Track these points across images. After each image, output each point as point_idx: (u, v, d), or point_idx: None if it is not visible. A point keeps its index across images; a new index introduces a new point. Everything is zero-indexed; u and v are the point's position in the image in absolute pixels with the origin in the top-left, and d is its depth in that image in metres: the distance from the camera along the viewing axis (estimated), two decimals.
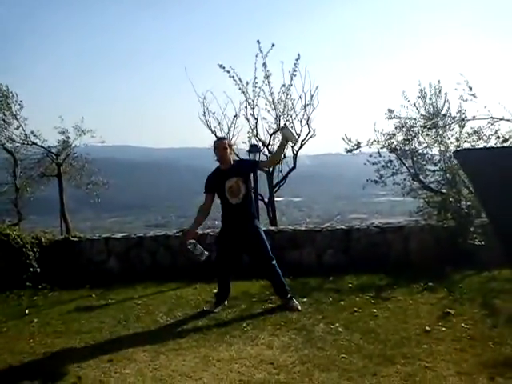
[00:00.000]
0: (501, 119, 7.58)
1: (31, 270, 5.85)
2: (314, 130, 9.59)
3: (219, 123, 9.36)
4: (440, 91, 8.42)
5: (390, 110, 8.46)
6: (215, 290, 4.78)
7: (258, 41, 9.15)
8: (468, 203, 6.09)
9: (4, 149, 13.03)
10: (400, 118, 8.44)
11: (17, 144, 13.24)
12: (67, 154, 14.00)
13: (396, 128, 8.44)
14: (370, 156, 8.64)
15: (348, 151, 8.69)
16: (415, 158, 8.47)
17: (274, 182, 9.98)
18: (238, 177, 4.43)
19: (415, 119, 8.42)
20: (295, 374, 3.05)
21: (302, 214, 46.45)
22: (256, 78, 9.18)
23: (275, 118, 9.52)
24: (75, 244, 6.42)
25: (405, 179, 8.61)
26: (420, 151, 8.48)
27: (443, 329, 3.70)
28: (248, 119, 9.47)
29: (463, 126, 8.03)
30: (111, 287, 5.64)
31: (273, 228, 6.87)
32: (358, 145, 8.55)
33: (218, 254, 4.77)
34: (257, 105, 9.40)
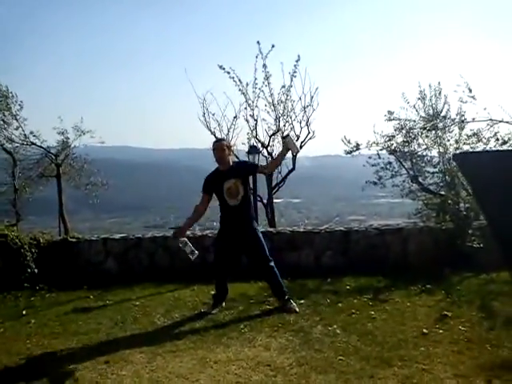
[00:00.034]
0: (500, 121, 7.60)
1: (29, 270, 5.84)
2: (313, 132, 9.62)
3: (219, 124, 9.38)
4: (440, 93, 8.45)
5: (390, 112, 8.48)
6: (213, 292, 4.77)
7: (258, 42, 9.19)
8: (467, 205, 6.09)
9: (3, 149, 13.05)
10: (399, 119, 8.46)
11: (16, 144, 13.27)
12: (66, 154, 14.02)
13: (395, 130, 8.46)
14: (370, 158, 8.65)
15: (347, 153, 8.71)
16: (414, 160, 8.48)
17: (273, 183, 9.99)
18: (236, 178, 4.42)
19: (415, 121, 8.44)
20: (292, 376, 3.04)
21: (301, 215, 46.49)
22: (256, 79, 9.21)
23: (275, 120, 9.54)
24: (73, 245, 6.41)
25: (404, 181, 8.62)
26: (419, 153, 8.50)
27: (441, 331, 3.70)
28: (248, 120, 9.49)
29: (463, 128, 8.05)
30: (109, 288, 5.63)
31: (271, 229, 6.86)
32: (358, 146, 8.57)
33: (215, 256, 4.77)
34: (256, 106, 9.43)
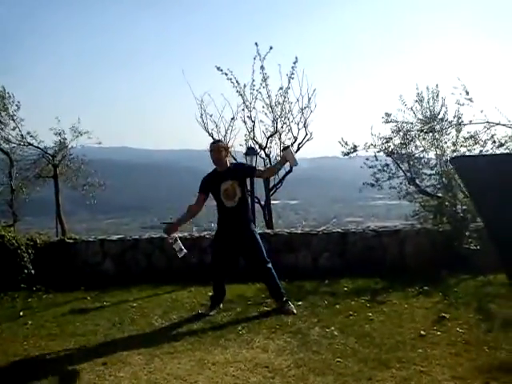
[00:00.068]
0: (497, 124, 7.63)
1: (26, 271, 5.82)
2: (311, 133, 9.65)
3: (216, 125, 9.40)
4: (437, 95, 8.50)
5: (387, 114, 8.52)
6: (210, 293, 4.76)
7: (256, 43, 9.20)
8: (464, 207, 6.11)
9: (0, 149, 13.00)
10: (397, 121, 8.49)
11: (13, 145, 13.26)
12: (63, 155, 14.00)
13: (393, 132, 8.49)
14: (367, 159, 8.68)
15: (345, 154, 8.73)
16: (411, 162, 8.52)
17: (271, 184, 10.01)
18: (233, 180, 4.41)
19: (412, 123, 8.47)
20: (290, 378, 3.04)
21: (299, 216, 46.50)
22: (254, 80, 9.24)
23: (272, 121, 9.57)
24: (70, 246, 6.39)
25: (401, 183, 8.66)
26: (416, 155, 8.53)
27: (438, 333, 3.70)
28: (245, 122, 9.52)
29: (460, 131, 8.09)
30: (106, 289, 5.62)
31: (269, 231, 6.87)
32: (355, 148, 8.59)
33: (213, 257, 4.76)
34: (254, 107, 9.46)
